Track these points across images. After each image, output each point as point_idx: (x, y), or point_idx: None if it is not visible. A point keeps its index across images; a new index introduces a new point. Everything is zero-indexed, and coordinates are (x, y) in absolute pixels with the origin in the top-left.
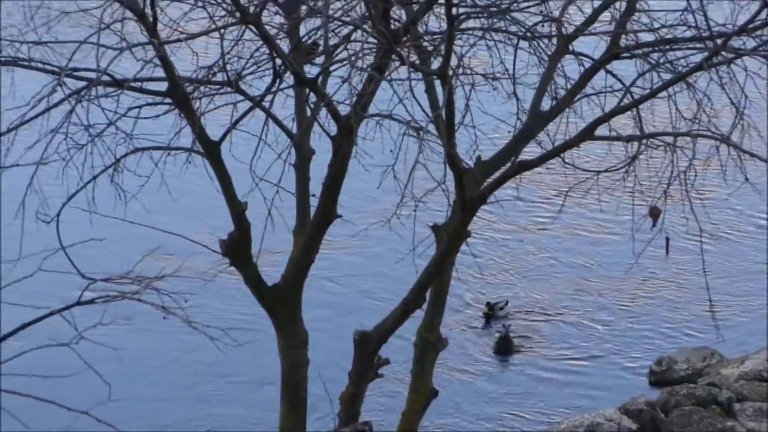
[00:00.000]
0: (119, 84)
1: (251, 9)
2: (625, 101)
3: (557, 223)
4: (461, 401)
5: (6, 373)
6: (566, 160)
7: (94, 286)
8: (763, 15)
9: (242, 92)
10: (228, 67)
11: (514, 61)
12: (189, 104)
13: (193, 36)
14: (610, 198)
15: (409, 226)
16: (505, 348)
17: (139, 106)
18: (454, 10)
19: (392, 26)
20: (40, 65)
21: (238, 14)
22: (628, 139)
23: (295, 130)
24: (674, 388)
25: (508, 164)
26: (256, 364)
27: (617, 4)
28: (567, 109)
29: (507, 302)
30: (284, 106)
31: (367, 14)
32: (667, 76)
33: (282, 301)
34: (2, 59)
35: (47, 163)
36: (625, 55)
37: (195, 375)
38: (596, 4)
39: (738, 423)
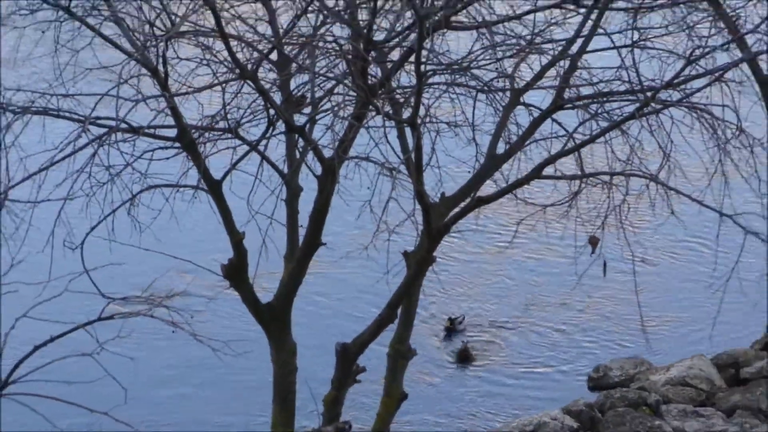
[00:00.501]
0: (135, 131)
1: (249, 66)
2: (569, 145)
3: (511, 249)
4: (427, 403)
5: (37, 379)
6: (518, 196)
7: (113, 304)
8: (686, 71)
9: (241, 138)
10: (229, 116)
11: (473, 111)
12: (195, 148)
13: (199, 89)
14: (556, 227)
15: (383, 253)
16: (464, 357)
17: (152, 150)
18: (422, 68)
19: (369, 81)
20: (67, 114)
21: (237, 71)
22: (571, 177)
23: (286, 170)
24: (609, 391)
25: (468, 199)
26: (252, 370)
27: (562, 62)
28: (519, 153)
29: (464, 317)
30: (276, 149)
31: (347, 71)
32: (604, 124)
33: (274, 318)
34: (33, 108)
35: (73, 199)
36: (568, 106)
37: (200, 380)
38: (544, 61)
39: (664, 422)
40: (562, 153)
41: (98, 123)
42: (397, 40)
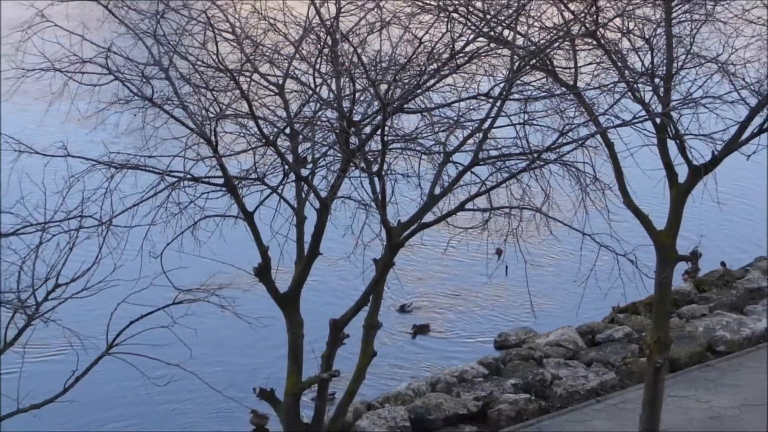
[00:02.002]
0: (196, 179)
1: (271, 137)
2: (482, 189)
3: (445, 257)
4: (388, 359)
5: (133, 343)
6: (449, 222)
7: (182, 294)
8: (560, 140)
9: (265, 184)
10: (258, 169)
11: (419, 166)
12: (236, 191)
13: (238, 153)
14: (475, 243)
15: (361, 260)
16: (418, 330)
17: (207, 192)
18: (385, 138)
19: (350, 147)
20: (151, 168)
21: (263, 140)
22: (484, 210)
23: (295, 205)
24: (509, 350)
25: (416, 224)
26: (274, 337)
27: (478, 134)
28: (449, 193)
29: (412, 303)
30: (290, 192)
31: (336, 140)
32: (506, 175)
33: (289, 302)
34: (129, 165)
35: (155, 224)
36: (482, 163)
37: (241, 343)
38: (466, 133)
39: (546, 370)
40: (478, 194)
41: (172, 174)
42: (368, 119)
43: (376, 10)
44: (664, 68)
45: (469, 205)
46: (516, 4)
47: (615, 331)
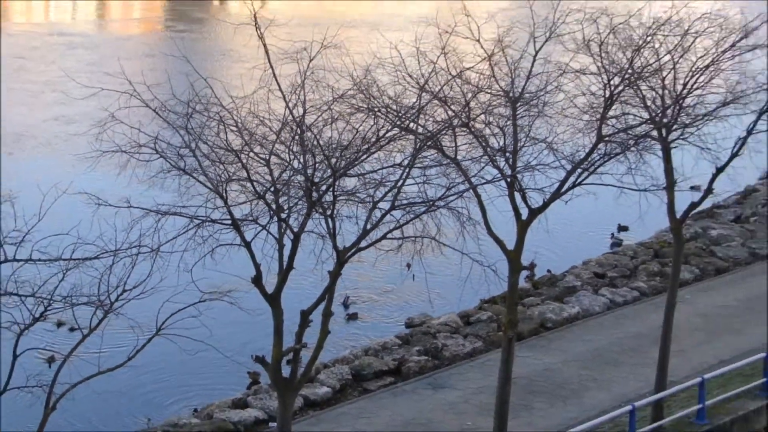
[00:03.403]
0: (213, 221)
1: (261, 193)
2: (397, 225)
3: (375, 267)
4: (334, 336)
5: (174, 327)
6: (377, 246)
7: (205, 295)
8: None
9: (258, 224)
10: (253, 213)
11: (356, 210)
12: (239, 228)
13: (240, 203)
14: (395, 258)
15: (321, 271)
16: (350, 317)
17: (220, 229)
18: (336, 195)
19: (312, 198)
20: (184, 214)
21: (256, 195)
22: (398, 238)
23: (278, 236)
24: (414, 328)
25: (355, 249)
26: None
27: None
28: (376, 228)
29: (349, 297)
30: (274, 228)
31: (303, 194)
32: (412, 216)
33: (274, 300)
34: (170, 212)
35: (187, 251)
36: (397, 208)
37: (245, 325)
38: (386, 188)
39: (438, 341)
40: (395, 228)
41: (197, 218)
42: (324, 181)
43: (328, 110)
44: (512, 146)
45: (389, 236)
46: (417, 106)
47: (482, 314)
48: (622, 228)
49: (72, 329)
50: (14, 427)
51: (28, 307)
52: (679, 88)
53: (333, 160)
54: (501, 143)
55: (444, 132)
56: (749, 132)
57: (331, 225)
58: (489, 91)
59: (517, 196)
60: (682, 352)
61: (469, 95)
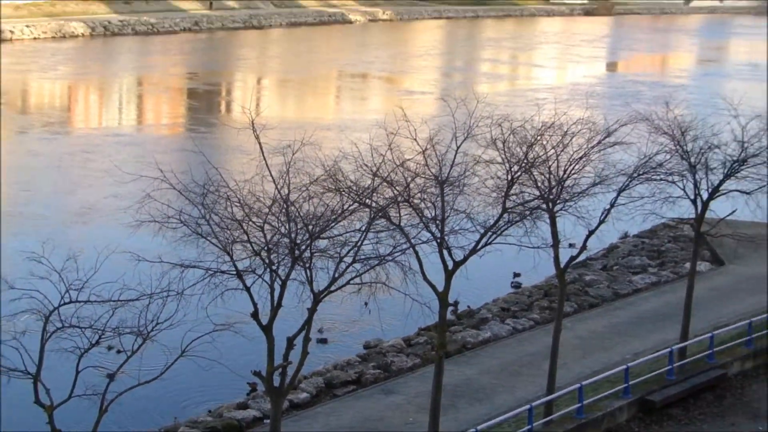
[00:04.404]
0: (222, 272)
1: (258, 251)
2: (357, 275)
3: (342, 303)
4: (312, 356)
5: (196, 350)
6: (342, 290)
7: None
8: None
9: (255, 273)
10: (252, 266)
11: (328, 263)
12: (242, 277)
13: (242, 258)
14: (356, 297)
15: (301, 309)
16: (323, 341)
17: (228, 278)
18: (312, 250)
19: (295, 254)
20: (201, 267)
21: (255, 252)
22: (359, 284)
23: (270, 283)
24: (370, 349)
25: (326, 291)
26: (262, 346)
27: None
28: (341, 277)
29: (322, 327)
30: (267, 276)
31: (288, 252)
32: (368, 268)
33: (267, 329)
34: (191, 264)
35: (203, 293)
36: (357, 262)
37: (246, 350)
38: (349, 248)
39: (387, 358)
40: (356, 276)
41: (210, 269)
42: (303, 242)
43: (306, 190)
44: (441, 216)
45: (352, 282)
46: (371, 187)
47: (420, 338)
48: (517, 275)
49: (118, 351)
50: (76, 428)
51: (87, 335)
52: (561, 173)
53: (310, 227)
54: (432, 214)
55: (390, 206)
56: (612, 205)
57: (308, 274)
58: (423, 176)
59: (445, 252)
60: (565, 365)
61: (409, 179)
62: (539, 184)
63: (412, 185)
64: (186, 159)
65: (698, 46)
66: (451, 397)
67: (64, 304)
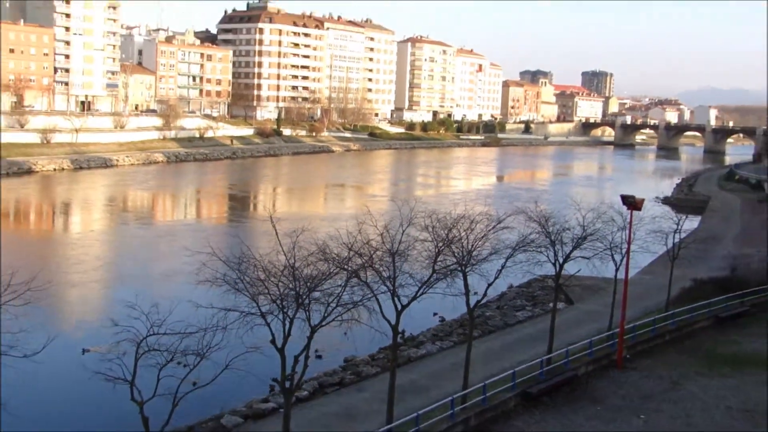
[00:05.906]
0: (251, 313)
1: (276, 303)
2: (339, 314)
3: (330, 333)
4: (310, 368)
5: (233, 367)
6: (330, 324)
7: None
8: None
9: (275, 317)
10: (273, 312)
11: (321, 308)
12: (265, 319)
13: (264, 304)
14: (340, 329)
15: (302, 338)
16: (318, 357)
17: (255, 320)
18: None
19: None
20: (237, 310)
21: (275, 302)
22: (342, 320)
23: (284, 324)
24: (349, 362)
25: (320, 326)
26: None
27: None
28: (329, 315)
29: (317, 349)
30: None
31: (298, 302)
32: (347, 309)
33: (281, 351)
34: (229, 308)
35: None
36: (338, 306)
37: (268, 365)
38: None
39: (359, 368)
40: (338, 315)
41: (242, 311)
42: (305, 296)
43: (306, 260)
44: (392, 276)
45: (337, 318)
46: (348, 257)
47: (380, 355)
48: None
49: (185, 366)
50: (158, 418)
51: (164, 356)
52: (470, 247)
53: (308, 284)
54: (387, 274)
55: (360, 269)
56: (503, 267)
57: (308, 314)
58: (381, 249)
59: (396, 299)
60: (474, 370)
61: (372, 252)
62: (456, 254)
63: (374, 256)
64: (228, 240)
65: (553, 166)
66: (401, 393)
67: (150, 335)
